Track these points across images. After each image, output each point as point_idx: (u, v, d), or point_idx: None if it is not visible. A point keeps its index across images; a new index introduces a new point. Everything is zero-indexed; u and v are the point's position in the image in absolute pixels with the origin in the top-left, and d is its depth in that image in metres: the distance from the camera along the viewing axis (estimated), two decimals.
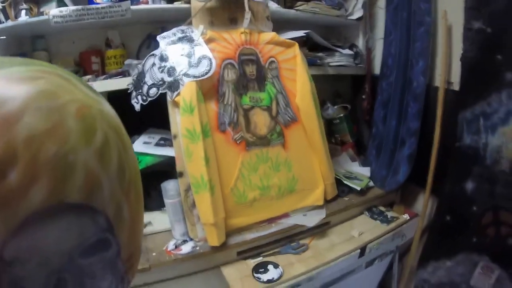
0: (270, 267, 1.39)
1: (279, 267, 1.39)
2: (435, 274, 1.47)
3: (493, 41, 1.14)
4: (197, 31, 1.40)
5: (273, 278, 1.34)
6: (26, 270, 0.26)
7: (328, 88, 2.16)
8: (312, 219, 1.49)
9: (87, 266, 0.30)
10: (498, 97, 1.11)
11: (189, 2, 1.44)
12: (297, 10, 1.76)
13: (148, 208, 1.48)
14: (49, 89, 0.29)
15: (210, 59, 1.34)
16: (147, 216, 1.46)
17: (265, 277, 1.34)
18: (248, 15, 1.47)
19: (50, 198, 0.26)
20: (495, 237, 1.22)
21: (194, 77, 1.31)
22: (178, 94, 1.30)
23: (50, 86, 0.29)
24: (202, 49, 1.36)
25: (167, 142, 1.48)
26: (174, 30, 1.40)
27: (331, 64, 1.87)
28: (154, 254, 1.29)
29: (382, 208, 1.79)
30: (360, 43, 2.06)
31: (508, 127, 1.10)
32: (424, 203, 1.66)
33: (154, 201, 1.45)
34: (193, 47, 1.36)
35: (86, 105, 0.31)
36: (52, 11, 1.29)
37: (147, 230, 1.42)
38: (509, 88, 1.10)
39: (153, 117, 1.47)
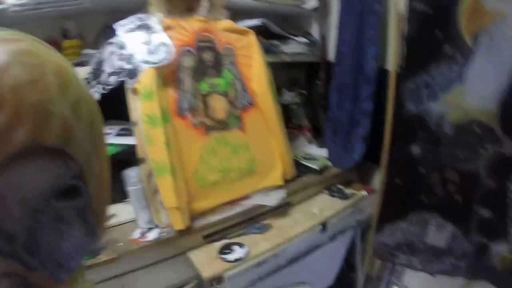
0: (235, 247, 1.44)
1: (245, 246, 1.44)
2: (392, 236, 1.56)
3: (433, 19, 1.24)
4: (155, 19, 1.43)
5: (239, 257, 1.39)
6: (7, 208, 0.29)
7: (285, 76, 2.25)
8: (273, 199, 1.57)
9: (61, 211, 0.33)
10: (438, 68, 1.21)
11: None
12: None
13: (113, 200, 1.49)
14: (31, 49, 0.33)
15: (168, 46, 1.38)
16: (112, 209, 1.48)
17: (231, 257, 1.39)
18: (205, 3, 1.53)
19: (31, 139, 0.29)
20: (443, 195, 1.32)
21: (153, 63, 1.34)
22: (138, 81, 1.32)
23: (31, 47, 0.33)
24: (160, 37, 1.40)
25: (127, 131, 1.50)
26: (131, 18, 1.42)
27: (286, 51, 1.94)
28: (120, 244, 1.30)
29: (340, 187, 1.89)
30: (315, 31, 2.15)
31: (448, 94, 1.21)
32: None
33: (118, 193, 1.46)
34: (151, 35, 1.39)
35: (62, 66, 0.35)
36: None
37: (112, 222, 1.42)
38: (447, 59, 1.20)
39: (113, 110, 1.49)
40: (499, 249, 1.35)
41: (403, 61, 1.39)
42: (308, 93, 2.17)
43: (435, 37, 1.21)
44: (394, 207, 1.51)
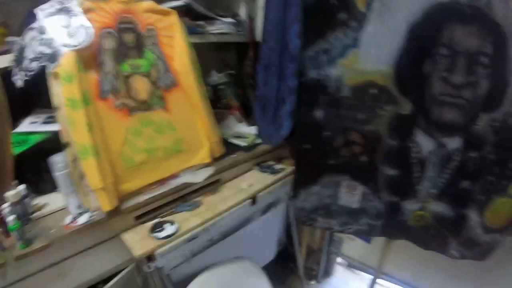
0: (166, 225, 1.50)
1: (175, 223, 1.50)
2: (307, 201, 1.66)
3: None
4: (75, 2, 1.43)
5: (170, 234, 1.45)
6: None
7: (215, 57, 2.30)
8: (200, 176, 1.63)
9: None
10: (335, 34, 1.30)
11: None
12: None
13: (44, 191, 1.53)
14: None
15: (87, 28, 1.38)
16: (44, 199, 1.50)
17: (162, 234, 1.46)
18: None
19: None
20: (349, 156, 1.43)
21: (73, 46, 1.34)
22: (58, 65, 1.33)
23: None
24: (80, 19, 1.40)
25: (54, 119, 1.51)
26: (52, 1, 1.41)
27: (213, 32, 1.99)
28: (53, 231, 1.33)
29: (271, 162, 1.99)
30: (243, 12, 2.21)
31: (345, 59, 1.30)
32: None
33: (49, 183, 1.47)
34: (71, 18, 1.39)
35: None
36: None
37: (44, 211, 1.45)
38: (343, 25, 1.29)
39: (41, 98, 1.49)
40: (410, 207, 1.50)
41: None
42: (238, 73, 2.24)
43: (331, 5, 1.30)
44: (306, 172, 1.61)
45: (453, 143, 1.33)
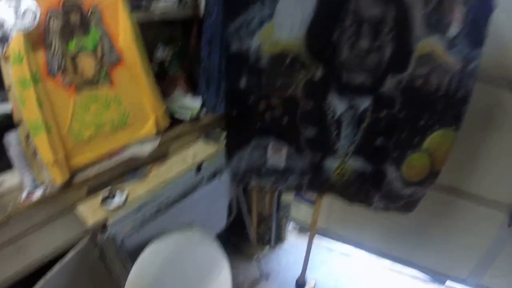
0: (116, 195, 1.68)
1: (124, 192, 1.69)
2: (240, 163, 1.87)
3: None
4: None
5: (119, 204, 1.64)
6: None
7: (161, 31, 2.42)
8: (147, 148, 1.82)
9: None
10: (253, 9, 1.46)
11: None
12: None
13: (0, 169, 1.64)
14: None
15: (34, 11, 1.49)
16: (0, 177, 1.62)
17: (112, 203, 1.64)
18: None
19: None
20: (272, 119, 1.64)
21: (21, 29, 1.46)
22: (8, 46, 1.45)
23: None
24: (27, 2, 1.49)
25: (6, 99, 1.59)
26: None
27: (156, 10, 2.13)
28: (9, 207, 1.44)
29: (217, 131, 2.20)
30: None
31: (263, 30, 1.48)
32: None
33: (4, 161, 1.59)
34: (19, 0, 1.48)
35: None
36: None
37: (0, 189, 1.56)
38: (259, 0, 1.46)
39: None
40: (331, 164, 1.73)
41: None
42: (183, 47, 2.42)
43: None
44: (236, 136, 1.81)
45: (364, 103, 1.55)
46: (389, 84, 1.49)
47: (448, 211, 2.47)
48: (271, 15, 1.46)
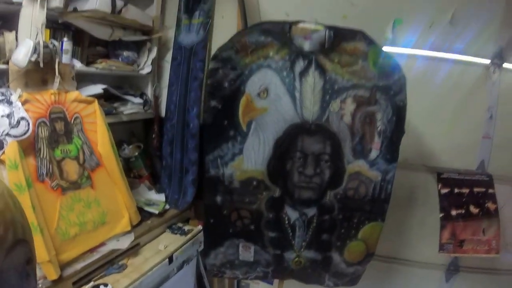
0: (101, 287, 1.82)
1: (109, 285, 1.82)
2: (216, 259, 2.13)
3: (222, 112, 1.86)
4: (15, 94, 1.70)
5: None
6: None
7: (124, 130, 2.71)
8: (124, 243, 2.00)
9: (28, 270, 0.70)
10: (227, 145, 1.84)
11: (7, 63, 1.73)
12: (97, 68, 2.25)
13: None
14: None
15: (27, 121, 1.67)
16: None
17: None
18: (57, 79, 1.85)
19: (13, 237, 0.61)
20: (242, 226, 1.98)
21: (15, 137, 1.62)
22: (3, 153, 1.59)
23: None
24: (20, 111, 1.67)
25: None
26: None
27: (125, 112, 2.41)
28: None
29: (180, 224, 2.45)
30: (149, 91, 2.68)
31: (234, 162, 1.85)
32: None
33: None
34: (12, 109, 1.66)
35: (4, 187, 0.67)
36: None
37: None
38: (232, 139, 1.85)
39: None
40: (290, 256, 2.09)
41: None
42: (145, 144, 2.68)
43: (223, 125, 1.83)
44: (212, 238, 2.11)
45: (312, 211, 1.97)
46: (329, 196, 1.94)
47: (391, 276, 2.85)
48: (240, 151, 1.84)
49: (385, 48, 2.11)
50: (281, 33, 1.75)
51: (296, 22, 1.76)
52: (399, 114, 1.82)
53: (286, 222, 1.96)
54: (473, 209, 2.45)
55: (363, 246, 2.08)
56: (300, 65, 1.74)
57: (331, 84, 1.75)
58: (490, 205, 2.44)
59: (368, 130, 1.82)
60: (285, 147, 1.84)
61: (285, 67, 1.74)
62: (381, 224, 2.01)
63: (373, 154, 1.86)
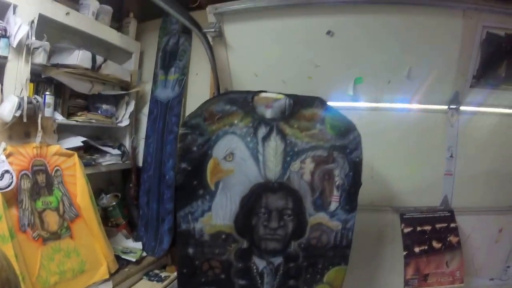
0: None
1: None
2: None
3: (191, 173, 1.98)
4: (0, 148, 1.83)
5: None
6: None
7: (103, 179, 2.85)
8: None
9: None
10: (196, 203, 1.97)
11: None
12: (77, 121, 2.41)
13: None
14: None
15: (11, 174, 1.81)
16: None
17: None
18: (39, 134, 2.00)
19: None
20: (213, 275, 2.08)
21: (0, 189, 1.76)
22: None
23: None
24: (4, 165, 1.80)
25: None
26: None
27: (103, 163, 2.57)
28: None
29: (157, 271, 2.57)
30: (127, 142, 2.84)
31: (204, 218, 1.98)
32: None
33: None
34: None
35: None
36: None
37: None
38: (201, 197, 1.98)
39: None
40: None
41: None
42: (123, 194, 2.82)
43: (193, 184, 1.97)
44: (187, 286, 2.23)
45: (278, 260, 2.10)
46: (293, 246, 2.08)
47: None
48: (209, 208, 1.98)
49: (348, 104, 2.39)
50: (245, 102, 1.94)
51: (259, 92, 1.96)
52: (355, 169, 2.01)
53: (255, 270, 2.09)
54: (436, 244, 2.61)
55: None
56: (262, 131, 1.93)
57: (292, 147, 1.94)
58: (452, 239, 2.60)
59: (327, 185, 2.00)
60: (250, 204, 1.99)
61: (249, 133, 1.93)
62: (345, 268, 2.15)
63: (333, 206, 2.02)
